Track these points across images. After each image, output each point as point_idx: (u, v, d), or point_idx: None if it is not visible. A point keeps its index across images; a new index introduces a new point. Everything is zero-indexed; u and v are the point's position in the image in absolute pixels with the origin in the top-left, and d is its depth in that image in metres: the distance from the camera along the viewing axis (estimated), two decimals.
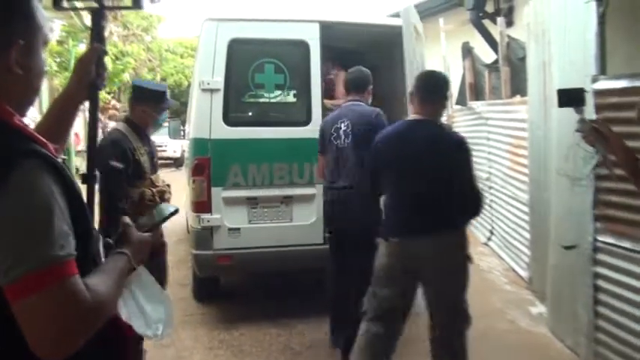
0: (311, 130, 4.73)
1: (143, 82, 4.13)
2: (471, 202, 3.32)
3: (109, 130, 3.66)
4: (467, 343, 3.36)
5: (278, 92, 5.01)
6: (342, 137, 4.20)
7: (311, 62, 4.89)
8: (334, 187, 4.23)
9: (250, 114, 5.25)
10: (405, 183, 3.34)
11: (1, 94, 1.24)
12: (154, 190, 3.72)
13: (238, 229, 4.79)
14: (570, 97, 2.90)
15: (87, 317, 1.17)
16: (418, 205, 3.26)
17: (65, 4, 1.76)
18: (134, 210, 3.44)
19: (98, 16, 1.71)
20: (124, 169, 3.47)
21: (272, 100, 5.05)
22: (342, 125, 4.22)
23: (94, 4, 1.71)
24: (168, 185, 3.94)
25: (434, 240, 3.23)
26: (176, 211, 1.69)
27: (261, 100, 5.09)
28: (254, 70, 4.84)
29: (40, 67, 1.33)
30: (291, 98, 5.14)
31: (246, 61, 4.84)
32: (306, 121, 4.90)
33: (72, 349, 1.16)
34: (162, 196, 3.75)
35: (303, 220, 4.92)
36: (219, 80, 4.71)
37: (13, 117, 1.23)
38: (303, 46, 4.92)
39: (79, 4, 2.04)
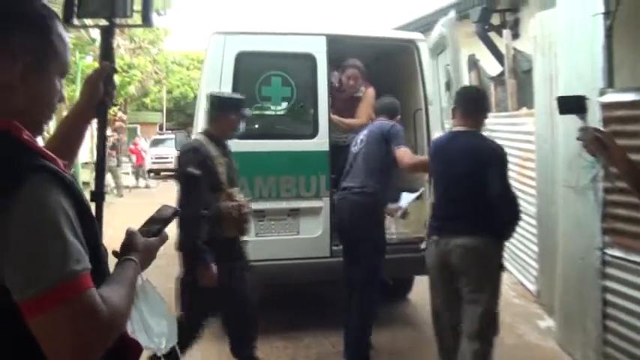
0: (317, 143, 4.74)
1: (219, 93, 4.13)
2: (507, 206, 3.47)
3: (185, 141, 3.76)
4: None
5: (285, 105, 5.02)
6: (358, 145, 4.49)
7: (318, 75, 4.90)
8: (343, 186, 4.46)
9: (257, 126, 5.26)
10: (447, 187, 3.61)
11: (10, 110, 1.24)
12: (233, 203, 3.61)
13: (245, 242, 4.77)
14: (571, 105, 2.88)
15: (104, 329, 1.17)
16: (457, 209, 3.50)
17: (76, 22, 1.76)
18: (212, 221, 3.46)
19: (108, 33, 1.72)
20: (202, 176, 3.46)
21: (279, 113, 5.07)
22: (362, 135, 4.54)
23: (104, 22, 1.72)
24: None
25: (469, 242, 3.42)
26: (177, 213, 1.67)
27: (268, 112, 5.10)
28: (261, 82, 4.86)
29: (52, 95, 1.33)
30: (297, 111, 5.15)
31: (253, 74, 4.86)
32: (312, 133, 4.90)
33: None
34: (240, 210, 3.62)
35: (309, 233, 4.90)
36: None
37: (22, 132, 1.22)
38: (310, 59, 4.93)
39: (89, 22, 2.05)
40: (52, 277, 1.11)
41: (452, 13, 4.75)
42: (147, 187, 19.27)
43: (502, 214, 3.46)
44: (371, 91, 5.30)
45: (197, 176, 3.45)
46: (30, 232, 1.12)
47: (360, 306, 4.20)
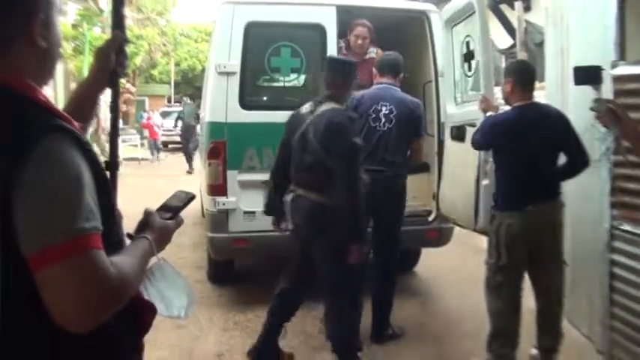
0: None
1: (340, 57, 4.14)
2: (585, 162, 3.66)
3: (328, 108, 3.57)
4: None
5: (294, 76, 5.01)
6: (383, 120, 4.25)
7: (327, 46, 4.87)
8: (367, 169, 4.11)
9: (266, 98, 5.25)
10: (528, 159, 3.61)
11: (25, 70, 1.26)
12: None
13: (254, 212, 4.81)
14: (587, 75, 2.85)
15: (109, 291, 1.18)
16: (541, 177, 3.64)
17: None
18: None
19: (118, 2, 1.71)
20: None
21: (288, 84, 5.05)
22: (384, 109, 4.27)
23: None
24: None
25: (552, 206, 3.69)
26: (193, 197, 1.69)
27: (277, 83, 5.09)
28: (270, 53, 4.84)
29: (59, 37, 1.35)
30: (307, 82, 5.13)
31: (263, 45, 4.85)
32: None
33: (94, 322, 1.17)
34: None
35: None
36: (235, 64, 4.72)
37: (37, 93, 1.25)
38: (319, 30, 4.90)
39: None
40: (59, 233, 1.12)
41: None
42: (157, 159, 19.34)
43: (578, 168, 3.68)
44: (382, 53, 5.09)
45: (360, 148, 3.50)
46: (42, 189, 1.13)
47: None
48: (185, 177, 14.75)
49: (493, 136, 3.79)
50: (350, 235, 3.45)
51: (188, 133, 16.30)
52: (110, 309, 1.20)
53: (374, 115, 4.28)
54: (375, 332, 4.39)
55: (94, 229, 1.17)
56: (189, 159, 16.02)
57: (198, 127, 11.38)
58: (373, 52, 5.16)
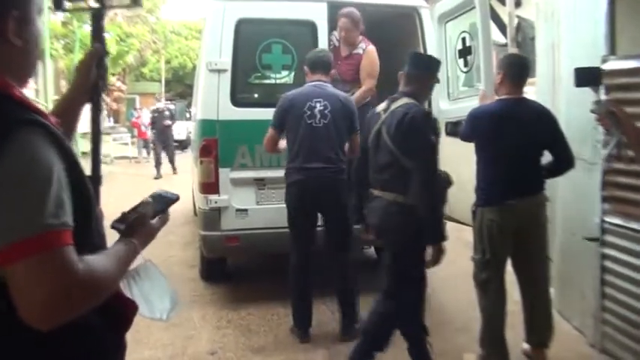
0: None
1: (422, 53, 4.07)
2: (571, 160, 3.70)
3: (402, 104, 3.42)
4: None
5: (285, 73, 5.00)
6: (318, 117, 4.19)
7: (319, 43, 4.86)
8: (309, 167, 4.19)
9: (257, 95, 5.24)
10: (513, 153, 3.60)
11: (1, 67, 1.25)
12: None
13: (246, 210, 4.80)
14: (588, 77, 2.83)
15: (77, 289, 1.16)
16: (523, 172, 3.64)
17: (67, 6, 1.76)
18: None
19: (98, 16, 1.70)
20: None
21: (279, 81, 5.04)
22: (318, 105, 4.20)
23: (95, 4, 1.70)
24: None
25: (535, 201, 3.71)
26: (177, 199, 1.68)
27: (269, 80, 5.08)
28: (262, 50, 4.83)
29: (37, 36, 1.34)
30: (298, 78, 5.11)
31: (254, 42, 4.83)
32: None
33: (60, 319, 1.16)
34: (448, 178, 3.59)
35: None
36: (226, 61, 4.71)
37: (13, 89, 1.24)
38: (310, 26, 4.89)
39: (79, 5, 2.04)
40: (25, 228, 1.11)
41: None
42: (147, 160, 19.21)
43: (564, 167, 3.75)
44: (372, 50, 5.02)
45: (435, 145, 3.42)
46: (13, 183, 1.12)
47: None
48: (174, 177, 14.72)
49: (472, 128, 3.80)
50: (429, 235, 3.34)
51: (163, 134, 15.38)
52: (78, 307, 1.19)
53: (309, 112, 4.21)
54: (345, 328, 4.33)
55: (63, 225, 1.15)
56: (159, 164, 15.16)
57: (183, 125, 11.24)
58: (362, 49, 5.02)
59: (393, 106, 3.49)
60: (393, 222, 3.45)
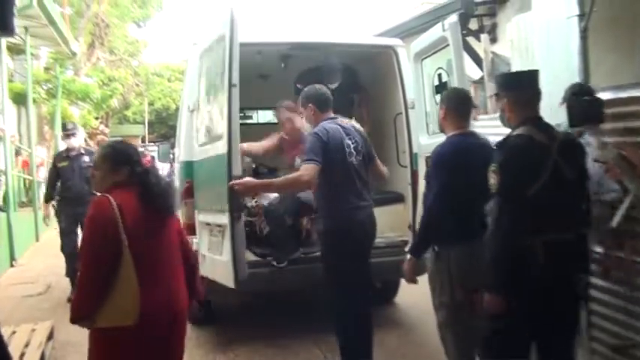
0: None
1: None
2: None
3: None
4: None
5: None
6: (354, 154, 3.94)
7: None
8: (362, 205, 3.92)
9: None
10: (475, 190, 3.20)
11: None
12: None
13: (204, 255, 4.63)
14: (587, 112, 2.19)
15: None
16: (476, 209, 3.18)
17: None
18: None
19: None
20: None
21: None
22: (351, 142, 3.95)
23: None
24: None
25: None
26: None
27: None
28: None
29: None
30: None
31: None
32: None
33: None
34: None
35: None
36: None
37: None
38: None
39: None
40: None
41: (454, 17, 4.61)
42: None
43: None
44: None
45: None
46: None
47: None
48: None
49: (449, 169, 3.48)
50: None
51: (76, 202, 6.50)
52: None
53: (348, 151, 3.94)
54: None
55: None
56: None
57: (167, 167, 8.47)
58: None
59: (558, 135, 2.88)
60: None
